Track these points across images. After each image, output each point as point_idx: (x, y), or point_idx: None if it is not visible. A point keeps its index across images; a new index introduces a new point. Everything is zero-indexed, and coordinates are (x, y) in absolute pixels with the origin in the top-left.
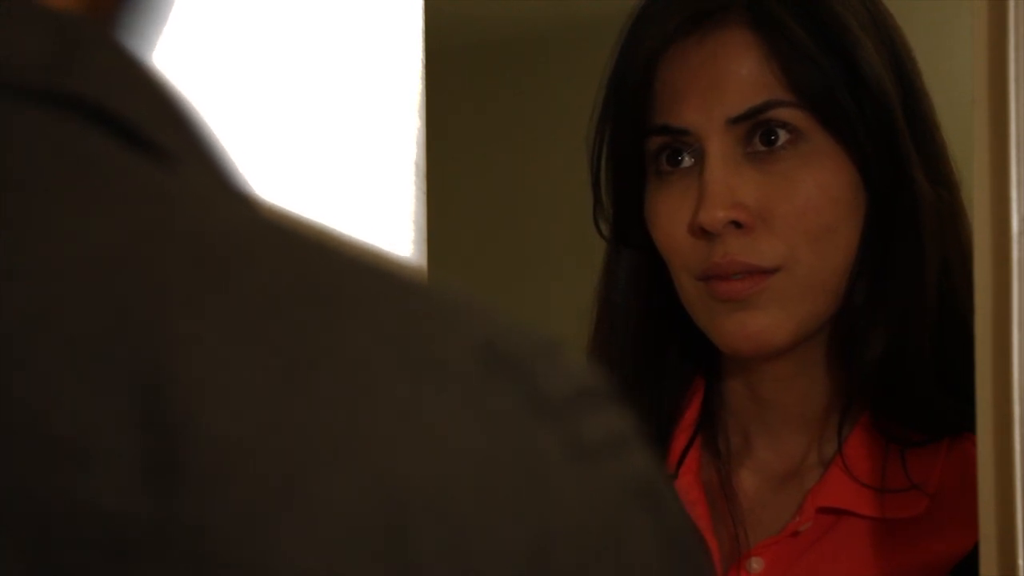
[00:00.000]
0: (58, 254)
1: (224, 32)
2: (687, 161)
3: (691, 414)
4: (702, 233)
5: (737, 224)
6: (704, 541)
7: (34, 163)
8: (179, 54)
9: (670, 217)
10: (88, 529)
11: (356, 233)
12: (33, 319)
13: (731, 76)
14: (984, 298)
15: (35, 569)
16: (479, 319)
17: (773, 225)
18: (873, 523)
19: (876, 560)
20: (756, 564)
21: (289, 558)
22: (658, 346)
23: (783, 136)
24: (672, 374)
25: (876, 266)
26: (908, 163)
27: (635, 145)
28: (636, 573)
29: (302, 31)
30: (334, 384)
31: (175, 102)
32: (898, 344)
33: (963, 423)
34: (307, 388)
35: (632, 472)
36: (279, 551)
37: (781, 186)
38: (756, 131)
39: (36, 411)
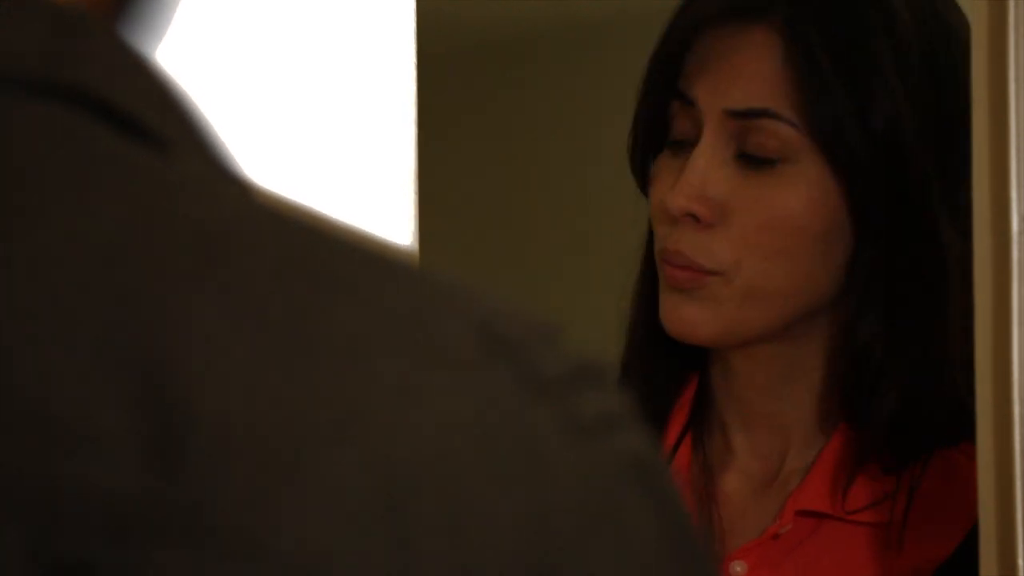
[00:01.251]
0: (57, 242)
1: (219, 34)
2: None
3: (682, 410)
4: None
5: (696, 219)
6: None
7: (32, 153)
8: (171, 59)
9: (658, 188)
10: (89, 510)
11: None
12: (32, 305)
13: (745, 73)
14: (984, 298)
15: (37, 551)
16: (475, 302)
17: (730, 229)
18: (855, 527)
19: (859, 563)
20: (739, 567)
21: (290, 534)
22: (661, 333)
23: (776, 153)
24: (670, 365)
25: (888, 308)
26: (926, 212)
27: (660, 111)
28: (635, 549)
29: (300, 32)
30: (332, 363)
31: (172, 92)
32: (915, 395)
33: (947, 439)
34: (306, 367)
35: (629, 450)
36: (280, 527)
37: (753, 195)
38: (753, 137)
39: (35, 393)
